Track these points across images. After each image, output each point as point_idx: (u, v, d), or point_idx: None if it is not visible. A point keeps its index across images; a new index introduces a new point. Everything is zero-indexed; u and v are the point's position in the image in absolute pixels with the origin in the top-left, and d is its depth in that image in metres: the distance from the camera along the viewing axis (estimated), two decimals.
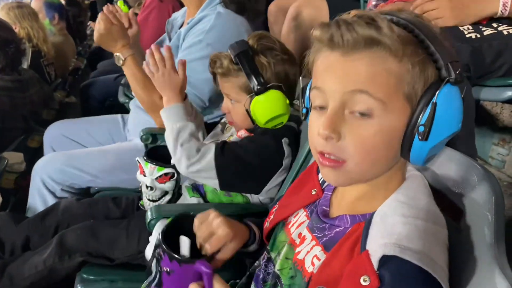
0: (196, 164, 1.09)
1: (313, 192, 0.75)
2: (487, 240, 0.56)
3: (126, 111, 1.91)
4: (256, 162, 1.11)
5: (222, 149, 1.10)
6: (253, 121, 1.13)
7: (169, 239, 0.74)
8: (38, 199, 1.56)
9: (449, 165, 0.66)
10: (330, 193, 0.72)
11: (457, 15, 1.16)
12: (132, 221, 1.22)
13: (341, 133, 0.57)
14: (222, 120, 1.40)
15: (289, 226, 0.76)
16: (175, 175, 1.21)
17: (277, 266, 0.72)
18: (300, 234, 0.71)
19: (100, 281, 1.11)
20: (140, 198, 1.34)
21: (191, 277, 0.70)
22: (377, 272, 0.53)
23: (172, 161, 1.14)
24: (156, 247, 0.74)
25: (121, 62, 1.53)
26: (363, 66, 0.55)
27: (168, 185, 1.21)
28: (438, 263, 0.54)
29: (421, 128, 0.55)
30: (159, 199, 1.23)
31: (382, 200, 0.61)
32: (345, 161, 0.58)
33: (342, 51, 0.57)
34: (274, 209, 0.83)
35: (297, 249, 0.69)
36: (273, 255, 0.76)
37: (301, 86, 0.78)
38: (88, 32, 4.49)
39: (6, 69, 1.96)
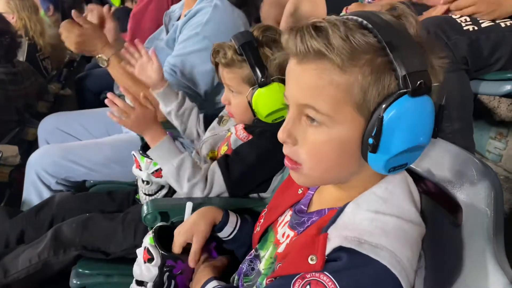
0: (209, 190, 1.09)
1: (300, 191, 0.75)
2: (486, 235, 0.56)
3: None
4: (259, 168, 1.10)
5: (227, 167, 1.10)
6: (254, 114, 1.11)
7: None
8: (33, 192, 1.55)
9: (447, 159, 0.65)
10: (313, 192, 0.73)
11: (493, 11, 1.16)
12: (128, 215, 1.21)
13: (297, 138, 0.59)
14: (221, 114, 1.39)
15: (277, 226, 0.76)
16: None
17: (262, 265, 0.73)
18: (284, 233, 0.72)
19: (96, 276, 1.11)
20: (136, 192, 1.33)
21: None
22: (326, 257, 0.55)
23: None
24: (163, 262, 0.84)
25: (105, 63, 1.50)
26: (312, 77, 0.56)
27: (164, 179, 1.20)
28: (400, 257, 0.54)
29: (370, 141, 0.54)
30: (155, 193, 1.22)
31: (353, 195, 0.61)
32: (300, 164, 0.60)
33: (297, 59, 0.57)
34: (264, 212, 0.84)
35: (279, 248, 0.71)
36: (261, 253, 0.77)
37: None
38: None
39: (0, 60, 1.94)
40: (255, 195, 1.16)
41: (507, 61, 1.17)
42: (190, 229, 0.88)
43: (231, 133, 1.23)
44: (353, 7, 1.50)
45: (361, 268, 0.53)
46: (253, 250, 0.79)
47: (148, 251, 0.85)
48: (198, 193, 1.09)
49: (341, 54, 0.53)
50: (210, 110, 1.59)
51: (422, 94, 0.53)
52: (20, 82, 2.04)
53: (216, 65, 1.18)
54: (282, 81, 1.07)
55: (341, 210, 0.60)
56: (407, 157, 0.57)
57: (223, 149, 1.22)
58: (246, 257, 0.80)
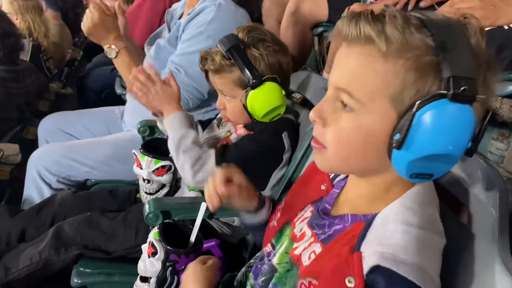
0: (200, 172, 1.07)
1: (323, 187, 0.74)
2: (491, 235, 0.56)
3: (123, 102, 1.89)
4: (257, 161, 1.09)
5: (222, 154, 1.09)
6: (250, 115, 1.11)
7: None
8: (34, 190, 1.55)
9: None
10: (338, 190, 0.71)
11: (488, 16, 1.15)
12: (129, 214, 1.21)
13: (327, 120, 0.59)
14: (218, 116, 1.38)
15: (294, 220, 0.75)
16: (172, 167, 1.20)
17: (276, 260, 0.72)
18: (301, 229, 0.71)
19: (97, 274, 1.10)
20: (138, 191, 1.33)
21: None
22: (365, 277, 0.52)
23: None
24: (166, 257, 0.85)
25: (114, 54, 1.50)
26: (355, 60, 0.56)
27: (165, 178, 1.20)
28: (431, 275, 0.54)
29: (397, 136, 0.53)
30: (156, 192, 1.22)
31: (385, 202, 0.60)
32: (326, 147, 0.60)
33: (347, 43, 0.58)
34: (280, 206, 0.82)
35: (295, 244, 0.69)
36: (276, 247, 0.76)
37: None
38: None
39: (3, 60, 1.93)
40: None
41: (510, 62, 1.17)
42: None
43: (231, 133, 1.23)
44: (355, 7, 1.49)
45: None
46: (268, 246, 0.78)
47: (153, 245, 0.87)
48: (187, 167, 1.08)
49: (389, 43, 0.53)
50: (212, 110, 1.59)
51: (463, 101, 0.51)
52: (21, 80, 2.04)
53: (206, 72, 1.17)
54: (274, 80, 1.09)
55: (369, 223, 0.58)
56: (433, 167, 0.55)
57: None
58: (258, 254, 0.78)
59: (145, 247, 0.90)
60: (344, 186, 0.71)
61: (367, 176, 0.62)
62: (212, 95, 1.57)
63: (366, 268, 0.53)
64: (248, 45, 1.08)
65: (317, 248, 0.65)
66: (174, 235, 0.91)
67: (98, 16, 1.44)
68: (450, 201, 0.63)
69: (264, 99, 1.07)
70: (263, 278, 0.73)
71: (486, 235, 0.57)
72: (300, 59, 1.99)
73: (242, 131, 1.17)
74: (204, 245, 0.92)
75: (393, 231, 0.56)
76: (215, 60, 1.10)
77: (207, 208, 0.91)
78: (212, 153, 1.09)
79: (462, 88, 0.50)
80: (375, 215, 0.59)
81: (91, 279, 1.10)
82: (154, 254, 0.86)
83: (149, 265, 0.87)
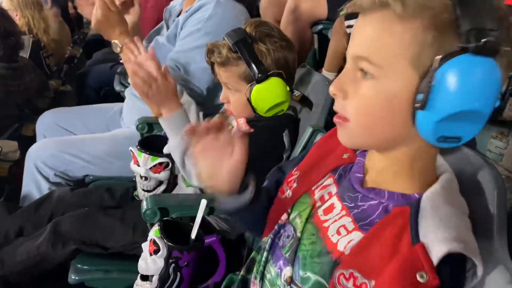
0: None
1: (345, 156, 0.70)
2: (489, 233, 0.56)
3: (122, 100, 1.88)
4: (257, 162, 1.08)
5: None
6: (254, 110, 1.11)
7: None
8: (32, 185, 1.54)
9: (449, 157, 0.65)
10: (363, 159, 0.67)
11: None
12: (127, 211, 1.21)
13: (347, 92, 0.58)
14: (221, 111, 1.38)
15: (313, 188, 0.72)
16: (170, 164, 1.20)
17: (298, 229, 0.68)
18: (322, 197, 0.68)
19: (94, 271, 1.10)
20: (135, 188, 1.32)
21: (205, 254, 0.85)
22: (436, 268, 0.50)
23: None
24: (169, 254, 0.84)
25: (118, 49, 1.50)
26: (371, 27, 0.55)
27: (163, 175, 1.20)
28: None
29: (420, 96, 0.52)
30: (154, 189, 1.22)
31: (410, 178, 0.59)
32: (348, 120, 0.58)
33: (362, 13, 0.57)
34: (294, 176, 0.77)
35: (323, 217, 0.66)
36: (292, 215, 0.72)
37: None
38: (84, 20, 4.43)
39: (2, 58, 1.93)
40: None
41: None
42: None
43: (233, 126, 1.23)
44: None
45: (464, 274, 0.52)
46: (284, 216, 0.73)
47: (154, 242, 0.86)
48: (192, 169, 1.07)
49: (405, 4, 0.52)
50: (211, 107, 1.58)
51: (486, 54, 0.49)
52: (20, 77, 2.04)
53: (212, 64, 1.17)
54: (279, 75, 1.09)
55: (416, 208, 0.55)
56: (461, 128, 0.53)
57: None
58: (275, 227, 0.73)
59: (145, 245, 0.90)
60: (367, 156, 0.67)
61: (390, 150, 0.60)
62: (211, 92, 1.56)
63: (435, 258, 0.50)
64: (256, 39, 1.08)
65: (348, 222, 0.61)
66: (174, 232, 0.90)
67: (101, 13, 1.43)
68: None
69: (269, 94, 1.07)
70: (287, 251, 0.68)
71: (485, 234, 0.56)
72: (299, 57, 1.99)
73: (243, 125, 1.17)
74: (206, 241, 0.91)
75: (449, 214, 0.54)
76: (222, 52, 1.10)
77: (207, 205, 0.91)
78: None
79: (484, 40, 0.48)
80: (419, 199, 0.56)
81: (88, 276, 1.09)
82: (156, 251, 0.86)
83: (151, 263, 0.86)
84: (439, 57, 0.50)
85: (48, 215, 1.28)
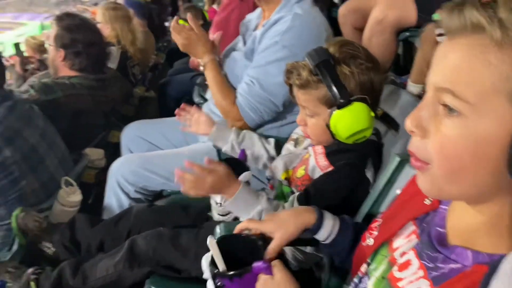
0: None
1: (427, 202, 0.62)
2: None
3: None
4: (340, 203, 1.02)
5: (308, 200, 1.03)
6: (333, 135, 1.03)
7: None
8: (113, 198, 1.61)
9: None
10: (447, 207, 0.59)
11: None
12: (201, 231, 1.20)
13: (428, 130, 0.50)
14: (294, 136, 1.32)
15: (393, 239, 0.66)
16: None
17: (371, 284, 0.64)
18: (403, 253, 0.61)
19: None
20: (209, 207, 1.31)
21: (253, 282, 0.75)
22: None
23: None
24: (213, 279, 0.78)
25: (201, 68, 1.56)
26: (460, 53, 0.47)
27: None
28: None
29: None
30: (228, 214, 1.19)
31: (499, 237, 0.50)
32: (428, 163, 0.50)
33: (449, 36, 0.49)
34: (377, 223, 0.73)
35: (398, 274, 0.59)
36: (371, 267, 0.67)
37: None
38: (167, 27, 4.62)
39: (88, 68, 2.04)
40: None
41: None
42: (278, 223, 0.82)
43: (309, 155, 1.16)
44: None
45: None
46: (363, 266, 0.69)
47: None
48: None
49: (505, 28, 0.44)
50: (286, 125, 1.53)
51: None
52: (108, 88, 2.14)
53: (290, 86, 1.10)
54: (364, 100, 1.00)
55: (493, 268, 0.47)
56: None
57: (299, 173, 1.16)
58: (354, 278, 0.70)
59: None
60: (451, 206, 0.59)
61: (483, 202, 0.51)
62: (288, 108, 1.52)
63: None
64: (339, 61, 1.00)
65: (424, 286, 0.54)
66: (233, 248, 0.83)
67: (184, 36, 1.51)
68: None
69: (350, 121, 0.99)
70: None
71: None
72: (383, 68, 1.87)
73: (322, 160, 1.10)
74: (255, 266, 0.79)
75: None
76: (302, 74, 1.03)
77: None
78: (295, 202, 1.05)
79: None
80: (501, 257, 0.47)
81: None
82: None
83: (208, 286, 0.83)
84: None
85: (127, 231, 1.32)
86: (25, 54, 3.17)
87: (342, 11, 2.10)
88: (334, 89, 0.97)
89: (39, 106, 1.72)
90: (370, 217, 0.95)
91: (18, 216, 1.33)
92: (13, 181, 1.48)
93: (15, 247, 1.37)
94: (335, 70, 0.98)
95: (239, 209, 1.05)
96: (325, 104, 1.03)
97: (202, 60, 1.54)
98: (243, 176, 1.10)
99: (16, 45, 3.10)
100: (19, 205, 1.44)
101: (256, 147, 1.39)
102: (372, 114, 1.01)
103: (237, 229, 0.84)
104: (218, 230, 0.99)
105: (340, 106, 0.98)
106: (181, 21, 1.62)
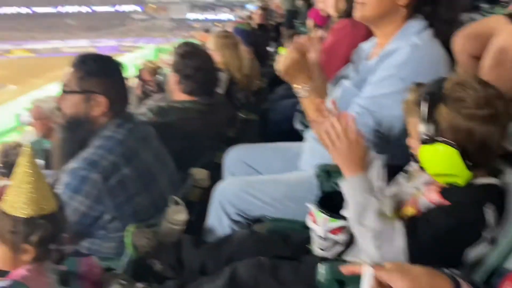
0: (383, 249, 0.98)
1: None
2: None
3: (302, 138, 1.90)
4: (452, 238, 0.95)
5: (415, 230, 0.97)
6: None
7: None
8: (216, 220, 1.66)
9: None
10: None
11: None
12: (301, 266, 1.19)
13: None
14: (406, 167, 1.24)
15: None
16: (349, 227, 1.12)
17: None
18: None
19: None
20: (309, 240, 1.28)
21: None
22: None
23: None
24: None
25: (301, 94, 1.53)
26: None
27: (341, 237, 1.13)
28: None
29: None
30: (328, 248, 1.16)
31: None
32: None
33: None
34: None
35: None
36: None
37: None
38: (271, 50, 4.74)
39: (197, 92, 2.18)
40: None
41: None
42: (410, 281, 0.75)
43: (421, 194, 1.08)
44: None
45: None
46: None
47: None
48: (369, 243, 1.00)
49: None
50: (396, 159, 1.45)
51: None
52: (215, 112, 2.25)
53: None
54: (450, 145, 0.95)
55: None
56: None
57: (410, 212, 1.09)
58: None
59: None
60: None
61: None
62: (398, 142, 1.44)
63: None
64: (443, 98, 0.98)
65: None
66: None
67: (287, 61, 1.48)
68: None
69: (433, 160, 0.98)
70: None
71: None
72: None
73: (435, 197, 1.02)
74: None
75: None
76: (408, 98, 1.08)
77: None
78: (399, 228, 0.98)
79: None
80: None
81: None
82: None
83: None
84: None
85: (227, 256, 1.34)
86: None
87: (458, 39, 1.95)
88: (423, 123, 0.98)
89: (154, 127, 1.87)
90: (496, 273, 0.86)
91: (132, 232, 1.44)
92: (129, 197, 1.61)
93: (125, 258, 1.48)
94: (434, 106, 0.97)
95: (349, 193, 1.06)
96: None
97: (302, 88, 1.51)
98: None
99: (138, 69, 3.43)
100: (132, 219, 1.56)
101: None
102: (462, 163, 0.95)
103: (348, 271, 0.80)
104: (323, 271, 0.96)
105: (423, 142, 0.98)
106: (282, 49, 1.63)
